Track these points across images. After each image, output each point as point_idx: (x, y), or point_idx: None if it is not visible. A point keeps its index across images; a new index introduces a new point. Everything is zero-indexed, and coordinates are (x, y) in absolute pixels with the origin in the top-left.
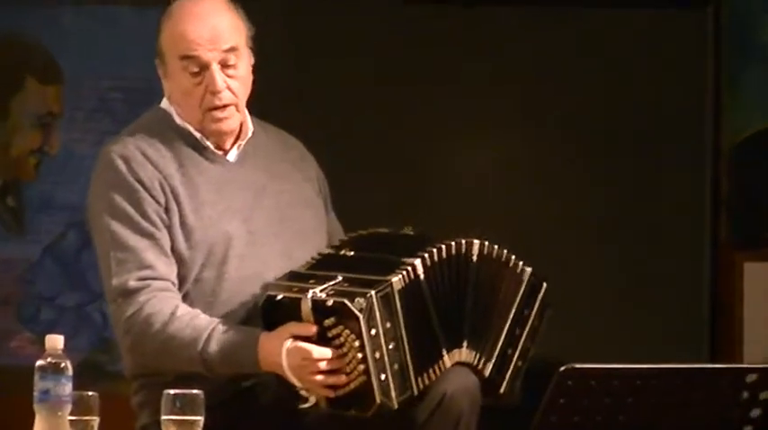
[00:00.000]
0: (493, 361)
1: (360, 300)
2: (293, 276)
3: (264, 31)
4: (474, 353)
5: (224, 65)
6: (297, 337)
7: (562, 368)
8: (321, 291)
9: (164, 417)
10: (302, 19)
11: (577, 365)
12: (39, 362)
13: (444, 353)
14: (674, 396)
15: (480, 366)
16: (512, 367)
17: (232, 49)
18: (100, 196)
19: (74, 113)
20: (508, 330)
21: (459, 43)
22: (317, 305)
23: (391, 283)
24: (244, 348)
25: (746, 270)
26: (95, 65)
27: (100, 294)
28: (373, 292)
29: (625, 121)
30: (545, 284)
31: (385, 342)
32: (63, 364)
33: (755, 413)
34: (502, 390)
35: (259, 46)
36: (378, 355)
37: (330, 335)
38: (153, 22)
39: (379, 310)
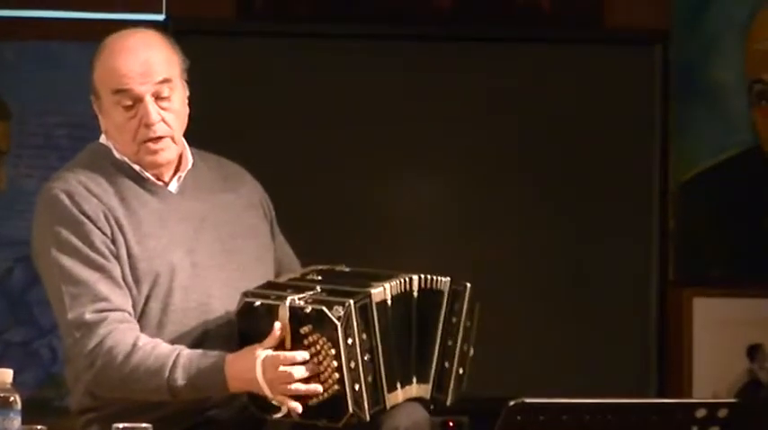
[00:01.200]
0: (431, 381)
1: (338, 308)
2: (271, 286)
3: (204, 67)
4: (422, 386)
5: (158, 97)
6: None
7: (511, 402)
8: (300, 298)
9: None
10: (247, 55)
11: (527, 400)
12: None
13: (399, 386)
14: None
15: (423, 394)
16: (453, 379)
17: (165, 81)
18: (46, 232)
19: (20, 150)
20: (440, 345)
21: (407, 79)
22: (295, 311)
23: (370, 294)
24: (211, 372)
25: (695, 306)
26: (41, 101)
27: (48, 330)
28: (352, 301)
29: (572, 159)
30: (468, 285)
31: (360, 352)
32: (12, 398)
33: None
34: (448, 403)
35: (199, 81)
36: (353, 365)
37: (306, 342)
38: None
39: (357, 320)
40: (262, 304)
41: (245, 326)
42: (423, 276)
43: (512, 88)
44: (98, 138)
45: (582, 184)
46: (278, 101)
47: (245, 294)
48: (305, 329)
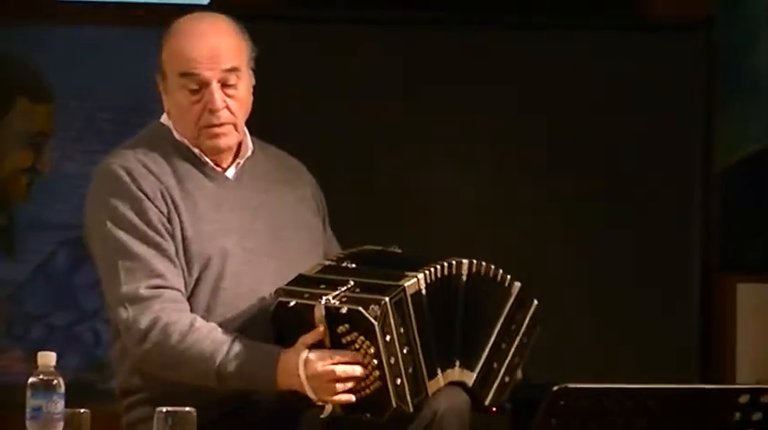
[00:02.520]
0: (477, 371)
1: (374, 308)
2: (303, 280)
3: (261, 53)
4: (465, 371)
5: (224, 84)
6: (311, 346)
7: (555, 388)
8: (334, 297)
9: None
10: (295, 41)
11: (571, 385)
12: (31, 380)
13: (439, 372)
14: (667, 417)
15: (466, 379)
16: (498, 381)
17: (233, 69)
18: (101, 205)
19: (64, 133)
20: (494, 343)
21: (449, 67)
22: (331, 312)
23: (404, 288)
24: (262, 366)
25: (739, 291)
26: (85, 85)
27: (91, 313)
28: (387, 299)
29: (615, 145)
30: (535, 301)
31: (399, 346)
32: (55, 381)
33: None
34: (487, 403)
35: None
36: (393, 361)
37: (344, 341)
38: (141, 42)
39: (393, 316)
40: (297, 304)
41: (280, 326)
42: (475, 262)
43: (553, 75)
44: (142, 122)
45: (625, 171)
46: (315, 86)
47: (278, 292)
48: (342, 328)
